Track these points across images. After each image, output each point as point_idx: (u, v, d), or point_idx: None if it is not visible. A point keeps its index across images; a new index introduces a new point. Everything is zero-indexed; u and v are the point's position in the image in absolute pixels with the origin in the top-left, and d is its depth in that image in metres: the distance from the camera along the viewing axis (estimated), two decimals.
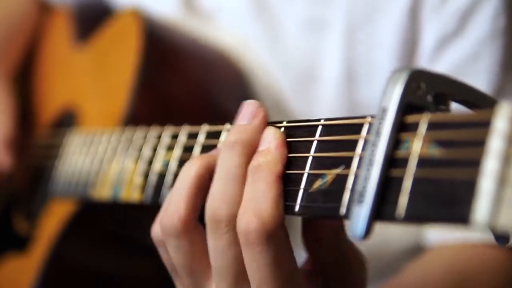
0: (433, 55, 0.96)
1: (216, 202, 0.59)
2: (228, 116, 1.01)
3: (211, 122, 0.74)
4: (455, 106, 0.55)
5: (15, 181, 1.21)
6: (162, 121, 0.85)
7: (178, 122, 0.80)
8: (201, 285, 0.64)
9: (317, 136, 0.59)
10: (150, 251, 1.05)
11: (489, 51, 0.94)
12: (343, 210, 0.54)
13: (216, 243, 0.60)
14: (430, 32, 0.96)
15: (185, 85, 1.03)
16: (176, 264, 0.64)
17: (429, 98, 0.53)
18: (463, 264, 0.84)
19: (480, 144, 0.45)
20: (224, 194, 0.59)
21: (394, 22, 0.96)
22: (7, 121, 1.18)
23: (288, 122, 0.63)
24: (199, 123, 0.76)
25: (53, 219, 1.02)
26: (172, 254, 0.64)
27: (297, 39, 1.02)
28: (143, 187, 0.80)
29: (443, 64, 0.95)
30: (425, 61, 0.96)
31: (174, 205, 0.63)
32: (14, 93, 1.23)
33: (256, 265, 0.57)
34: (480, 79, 0.94)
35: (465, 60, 0.95)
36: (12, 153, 1.16)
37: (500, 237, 0.55)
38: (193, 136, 0.75)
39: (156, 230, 0.66)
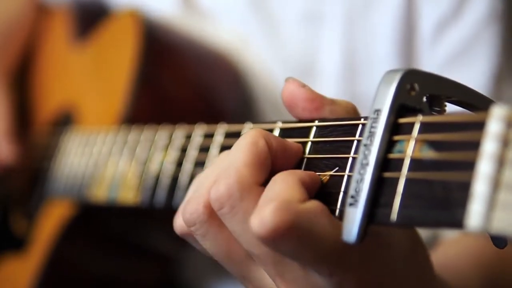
0: (432, 40, 0.95)
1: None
2: (226, 115, 1.01)
3: (210, 122, 0.73)
4: (451, 107, 0.54)
5: (13, 181, 1.20)
6: (160, 121, 0.84)
7: (176, 122, 0.80)
8: (249, 271, 0.58)
9: (311, 137, 0.58)
10: (148, 253, 1.05)
11: (489, 33, 0.93)
12: (337, 213, 0.53)
13: (232, 227, 0.55)
14: (427, 17, 0.95)
15: (183, 85, 1.03)
16: (213, 254, 0.59)
17: (424, 99, 0.52)
18: (490, 258, 0.81)
19: (474, 146, 0.44)
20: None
21: (391, 10, 0.96)
22: (5, 115, 1.18)
23: (283, 122, 0.62)
24: (196, 123, 0.75)
25: (51, 220, 1.02)
26: (205, 245, 0.59)
27: (295, 34, 1.01)
28: (139, 189, 0.79)
29: (443, 48, 0.95)
30: (424, 47, 0.96)
31: (199, 192, 0.58)
32: (12, 92, 1.22)
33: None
34: (481, 61, 0.93)
35: (465, 43, 0.94)
36: (14, 144, 1.16)
37: (497, 240, 0.54)
38: (188, 137, 0.74)
39: (179, 222, 0.61)
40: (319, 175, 0.56)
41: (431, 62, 0.95)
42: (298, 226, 0.50)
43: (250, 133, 0.56)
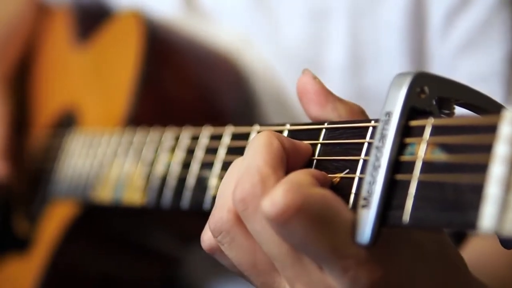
0: (444, 29, 0.95)
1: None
2: (227, 115, 1.02)
3: (211, 122, 0.74)
4: (459, 110, 0.55)
5: (15, 182, 1.20)
6: (163, 122, 0.85)
7: (179, 123, 0.80)
8: (274, 283, 0.57)
9: (320, 140, 0.59)
10: (150, 253, 1.05)
11: (500, 19, 0.93)
12: None
13: (253, 226, 0.55)
14: (437, 7, 0.95)
15: (185, 85, 1.03)
16: (239, 265, 0.58)
17: (433, 102, 0.53)
18: None
19: (486, 149, 0.45)
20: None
21: (399, 2, 0.96)
22: (2, 130, 1.17)
23: (291, 125, 0.63)
24: (199, 123, 0.75)
25: (54, 221, 1.02)
26: (230, 254, 0.58)
27: (300, 32, 1.01)
28: (145, 190, 0.80)
29: (455, 37, 0.94)
30: (435, 37, 0.96)
31: (223, 200, 0.58)
32: (10, 99, 1.22)
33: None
34: (495, 47, 0.93)
35: (476, 30, 0.94)
36: (8, 162, 1.15)
37: (506, 241, 0.55)
38: (195, 138, 0.74)
39: (207, 236, 0.60)
40: (329, 177, 0.56)
41: (442, 52, 0.95)
42: (308, 207, 0.50)
43: (262, 134, 0.56)
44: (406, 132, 0.51)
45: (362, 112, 0.61)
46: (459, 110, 0.54)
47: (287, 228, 0.51)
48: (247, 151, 0.56)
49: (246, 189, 0.53)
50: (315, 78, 0.60)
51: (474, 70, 0.93)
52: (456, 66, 0.94)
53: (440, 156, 0.48)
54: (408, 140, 0.51)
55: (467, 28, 0.94)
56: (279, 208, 0.50)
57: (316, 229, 0.51)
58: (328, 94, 0.60)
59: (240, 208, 0.54)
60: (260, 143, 0.55)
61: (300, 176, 0.53)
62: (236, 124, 0.70)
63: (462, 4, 0.94)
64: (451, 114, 0.54)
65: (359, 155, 0.55)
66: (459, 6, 0.94)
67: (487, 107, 0.54)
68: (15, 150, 1.18)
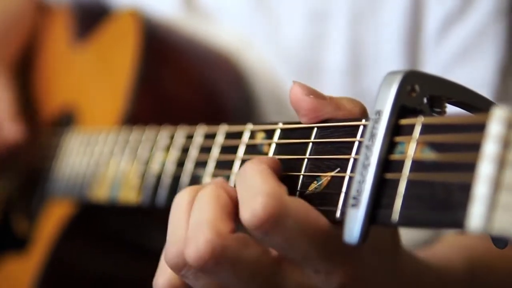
0: (438, 37, 0.95)
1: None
2: (227, 114, 1.02)
3: (211, 122, 0.73)
4: (451, 109, 0.54)
5: (15, 181, 1.20)
6: (161, 121, 0.85)
7: (177, 122, 0.80)
8: None
9: (312, 138, 0.59)
10: (148, 253, 1.05)
11: (494, 30, 0.93)
12: (338, 214, 0.53)
13: (223, 279, 0.56)
14: (434, 15, 0.95)
15: (184, 84, 1.03)
16: None
17: (424, 100, 0.52)
18: (480, 253, 0.82)
19: (474, 148, 0.45)
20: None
21: (398, 8, 0.96)
22: (9, 97, 1.18)
23: (284, 123, 0.63)
24: (198, 122, 0.75)
25: (52, 220, 1.02)
26: (199, 284, 0.58)
27: (300, 33, 1.01)
28: (140, 188, 0.80)
29: (449, 46, 0.95)
30: (430, 45, 0.96)
31: (177, 234, 0.58)
32: (15, 87, 1.22)
33: None
34: (487, 58, 0.93)
35: (470, 40, 0.94)
36: (20, 124, 1.16)
37: (498, 240, 0.54)
38: (189, 137, 0.74)
39: (164, 278, 0.60)
40: (320, 175, 0.56)
41: (436, 60, 0.95)
42: (288, 213, 0.52)
43: (209, 188, 0.57)
44: (396, 130, 0.51)
45: (362, 110, 0.59)
46: (451, 109, 0.54)
47: (269, 231, 0.52)
48: (197, 206, 0.57)
49: (202, 249, 0.54)
50: (308, 94, 0.58)
51: (466, 79, 0.93)
52: (448, 74, 0.94)
53: (430, 155, 0.48)
54: (398, 139, 0.50)
55: (462, 39, 0.94)
56: (260, 218, 0.51)
57: (298, 230, 0.52)
58: (324, 107, 0.58)
59: (200, 265, 0.54)
60: (207, 199, 0.56)
61: (270, 185, 0.53)
62: (230, 123, 0.70)
63: (459, 14, 0.94)
64: (442, 112, 0.53)
65: (350, 154, 0.54)
66: (455, 16, 0.94)
67: (479, 105, 0.54)
68: (24, 117, 1.18)
